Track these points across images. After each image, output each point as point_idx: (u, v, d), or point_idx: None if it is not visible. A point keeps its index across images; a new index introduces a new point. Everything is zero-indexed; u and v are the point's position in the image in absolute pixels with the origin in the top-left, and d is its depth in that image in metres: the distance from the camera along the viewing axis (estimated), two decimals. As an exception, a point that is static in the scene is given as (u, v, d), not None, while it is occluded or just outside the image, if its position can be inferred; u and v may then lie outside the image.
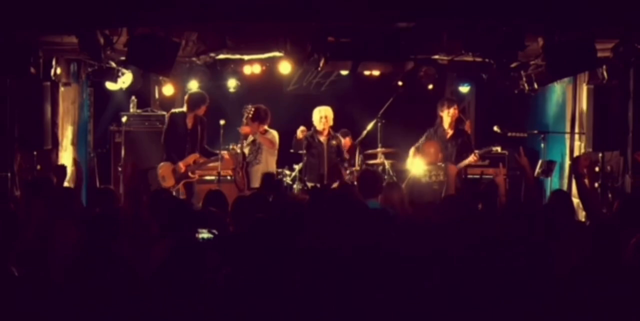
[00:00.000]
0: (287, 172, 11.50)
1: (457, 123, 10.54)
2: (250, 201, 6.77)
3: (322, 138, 10.81)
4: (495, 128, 10.90)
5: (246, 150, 10.84)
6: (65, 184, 7.74)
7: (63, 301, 4.67)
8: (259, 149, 10.84)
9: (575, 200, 7.62)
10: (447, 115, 10.41)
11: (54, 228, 6.21)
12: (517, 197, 7.48)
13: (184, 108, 10.62)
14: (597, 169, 9.75)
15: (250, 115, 10.65)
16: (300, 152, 10.87)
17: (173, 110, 10.89)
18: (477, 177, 10.40)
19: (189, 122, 10.54)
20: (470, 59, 9.84)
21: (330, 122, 10.87)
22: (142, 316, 4.68)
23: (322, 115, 10.82)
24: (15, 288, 4.76)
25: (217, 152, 10.56)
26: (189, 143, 10.52)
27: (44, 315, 4.59)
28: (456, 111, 10.44)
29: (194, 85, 11.10)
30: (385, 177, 10.58)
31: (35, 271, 5.15)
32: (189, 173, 10.46)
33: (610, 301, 4.72)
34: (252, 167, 10.84)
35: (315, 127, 10.87)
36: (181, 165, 10.37)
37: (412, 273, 4.99)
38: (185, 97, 10.67)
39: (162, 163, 10.51)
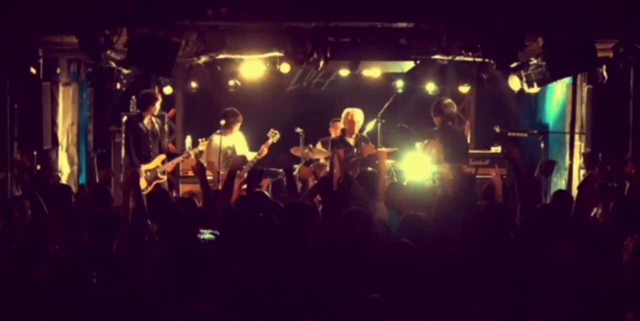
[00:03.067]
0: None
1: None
2: (252, 200, 6.76)
3: (350, 140, 10.65)
4: (496, 128, 10.89)
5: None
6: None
7: (62, 300, 4.66)
8: (235, 152, 10.62)
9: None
10: None
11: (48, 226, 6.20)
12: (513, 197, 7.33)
13: (138, 110, 10.55)
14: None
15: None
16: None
17: (129, 114, 10.79)
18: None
19: (147, 124, 10.42)
20: (470, 59, 9.84)
21: (357, 125, 10.57)
22: (142, 317, 4.68)
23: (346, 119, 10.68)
24: (11, 286, 4.75)
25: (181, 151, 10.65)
26: (151, 144, 10.38)
27: (41, 314, 4.58)
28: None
29: (193, 85, 11.09)
30: (386, 177, 10.43)
31: (31, 270, 5.14)
32: (159, 175, 10.36)
33: (610, 300, 4.72)
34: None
35: (346, 129, 10.72)
36: (142, 167, 10.20)
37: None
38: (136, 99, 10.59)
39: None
